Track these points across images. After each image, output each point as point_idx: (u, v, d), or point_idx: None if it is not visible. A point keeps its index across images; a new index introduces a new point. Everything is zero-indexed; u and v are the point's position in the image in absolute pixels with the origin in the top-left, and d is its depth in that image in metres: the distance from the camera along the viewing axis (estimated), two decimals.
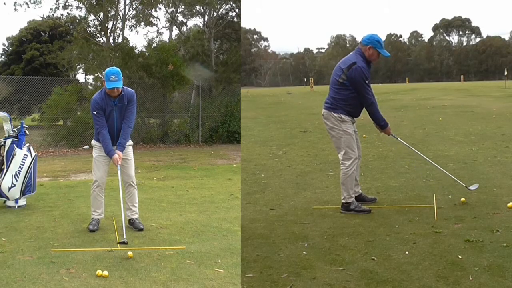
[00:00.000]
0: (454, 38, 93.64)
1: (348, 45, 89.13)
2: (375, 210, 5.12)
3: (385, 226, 4.57)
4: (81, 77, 27.90)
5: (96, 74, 16.87)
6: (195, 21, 33.32)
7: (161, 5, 20.57)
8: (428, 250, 3.92)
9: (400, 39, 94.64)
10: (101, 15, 17.81)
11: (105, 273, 3.90)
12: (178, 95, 19.17)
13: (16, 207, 6.37)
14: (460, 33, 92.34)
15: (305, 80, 59.42)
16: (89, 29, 18.71)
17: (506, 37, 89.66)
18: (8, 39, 30.73)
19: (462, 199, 5.27)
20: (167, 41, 21.30)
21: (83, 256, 4.36)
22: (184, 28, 23.40)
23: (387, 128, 5.36)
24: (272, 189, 6.25)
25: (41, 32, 28.67)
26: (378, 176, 6.77)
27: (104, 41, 18.12)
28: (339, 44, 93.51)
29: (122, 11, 18.37)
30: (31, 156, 6.56)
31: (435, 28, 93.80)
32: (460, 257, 3.73)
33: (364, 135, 9.44)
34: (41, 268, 4.06)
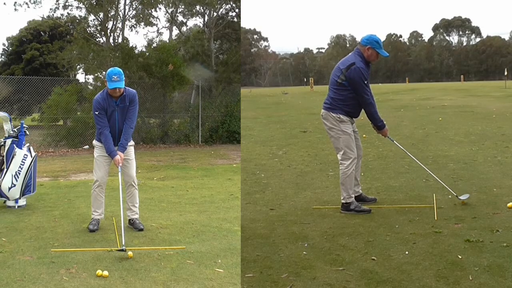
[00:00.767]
0: (454, 38, 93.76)
1: (348, 45, 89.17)
2: (375, 210, 5.12)
3: (385, 226, 4.57)
4: (81, 77, 27.95)
5: (96, 74, 16.87)
6: (195, 21, 33.40)
7: (161, 5, 20.56)
8: (428, 250, 3.92)
9: (400, 39, 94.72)
10: (101, 15, 17.81)
11: (105, 273, 3.90)
12: (178, 95, 19.17)
13: (16, 207, 6.37)
14: (460, 33, 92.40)
15: (305, 80, 59.45)
16: (89, 29, 18.71)
17: (506, 37, 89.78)
18: (8, 39, 30.77)
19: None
20: (167, 41, 21.30)
21: (83, 256, 4.36)
22: (184, 28, 23.42)
23: (384, 129, 5.37)
24: (272, 189, 6.25)
25: (41, 32, 28.66)
26: (378, 176, 6.77)
27: (104, 41, 18.12)
28: (339, 44, 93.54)
29: (122, 11, 18.37)
30: (31, 156, 6.56)
31: (435, 28, 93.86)
32: (460, 257, 3.73)
33: (364, 135, 9.43)
34: (41, 268, 4.06)
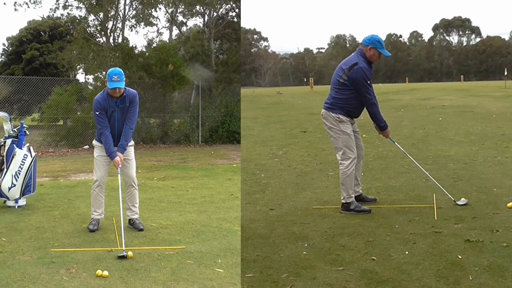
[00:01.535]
0: (454, 38, 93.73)
1: (348, 45, 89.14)
2: (375, 210, 5.12)
3: (385, 226, 4.57)
4: (81, 77, 27.94)
5: (96, 74, 16.86)
6: (195, 21, 33.40)
7: (161, 5, 20.55)
8: (428, 250, 3.92)
9: (400, 39, 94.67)
10: (101, 15, 17.81)
11: (105, 273, 3.90)
12: (178, 95, 19.18)
13: (16, 207, 6.37)
14: (460, 33, 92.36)
15: (305, 80, 59.44)
16: (89, 29, 18.71)
17: (506, 37, 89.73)
18: (8, 39, 30.77)
19: (462, 199, 5.27)
20: (167, 41, 21.30)
21: (83, 256, 4.36)
22: (184, 28, 23.42)
23: (387, 130, 5.36)
24: (272, 189, 6.25)
25: (41, 32, 28.67)
26: (378, 176, 6.77)
27: (104, 41, 18.11)
28: (339, 44, 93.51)
29: (122, 11, 18.37)
30: (31, 156, 6.56)
31: (435, 28, 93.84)
32: (460, 257, 3.73)
33: (364, 135, 9.43)
34: (41, 268, 4.06)
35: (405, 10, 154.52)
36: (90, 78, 19.58)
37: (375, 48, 5.08)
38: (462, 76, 63.54)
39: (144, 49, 18.38)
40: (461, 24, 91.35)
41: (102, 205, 5.38)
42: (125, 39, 18.28)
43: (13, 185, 6.35)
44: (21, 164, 6.43)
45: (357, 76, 5.03)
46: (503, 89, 27.80)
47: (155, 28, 30.83)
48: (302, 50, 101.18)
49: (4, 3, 36.11)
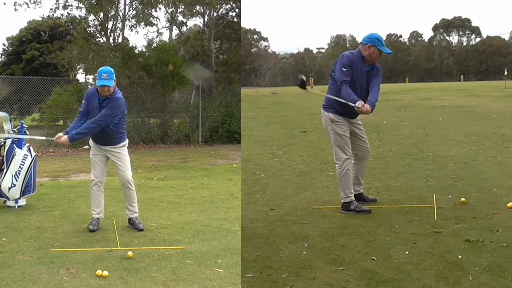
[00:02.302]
0: (454, 38, 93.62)
1: (348, 45, 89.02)
2: (375, 210, 5.12)
3: (385, 226, 4.57)
4: (81, 77, 27.87)
5: (96, 74, 16.86)
6: (195, 21, 33.34)
7: (161, 5, 20.59)
8: (428, 250, 3.92)
9: (400, 39, 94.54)
10: (101, 15, 17.83)
11: (105, 273, 3.90)
12: (178, 95, 19.17)
13: (16, 207, 6.37)
14: (460, 33, 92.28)
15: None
16: (89, 29, 18.75)
17: (506, 37, 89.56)
18: (8, 39, 30.75)
19: (462, 199, 5.27)
20: (167, 41, 21.31)
21: (83, 256, 4.36)
22: (184, 28, 23.42)
23: (361, 106, 4.90)
24: (272, 189, 6.25)
25: (41, 32, 28.65)
26: (378, 176, 6.78)
27: (104, 41, 18.14)
28: (339, 44, 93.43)
29: (122, 11, 18.40)
30: (31, 156, 6.56)
31: (435, 28, 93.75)
32: (460, 257, 3.73)
33: None
34: (41, 268, 4.06)
35: (405, 10, 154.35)
36: (90, 78, 19.64)
37: (374, 46, 5.04)
38: (462, 76, 63.45)
39: (144, 49, 18.41)
40: (461, 24, 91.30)
41: (100, 204, 5.38)
42: (125, 39, 18.34)
43: (13, 185, 6.35)
44: (21, 164, 6.43)
45: (337, 62, 5.07)
46: (503, 89, 27.79)
47: (155, 28, 30.84)
48: (302, 50, 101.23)
49: (4, 3, 36.09)
